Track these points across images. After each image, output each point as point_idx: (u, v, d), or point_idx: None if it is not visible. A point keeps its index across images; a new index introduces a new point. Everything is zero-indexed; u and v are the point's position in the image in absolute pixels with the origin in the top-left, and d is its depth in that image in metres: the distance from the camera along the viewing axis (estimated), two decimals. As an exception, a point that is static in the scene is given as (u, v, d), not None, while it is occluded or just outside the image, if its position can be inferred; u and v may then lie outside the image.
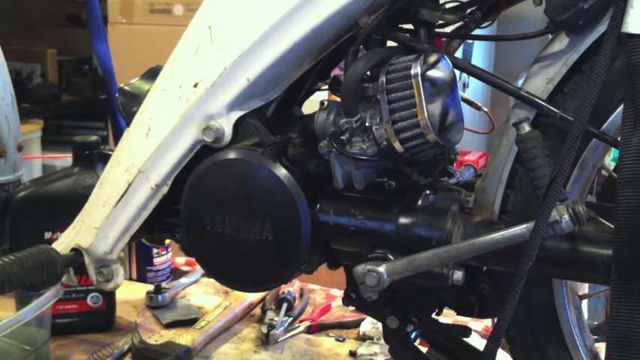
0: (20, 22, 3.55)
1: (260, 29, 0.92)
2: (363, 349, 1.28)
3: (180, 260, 1.72)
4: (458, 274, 0.89)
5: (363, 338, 1.33)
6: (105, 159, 1.18)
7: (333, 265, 1.02)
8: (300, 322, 1.39)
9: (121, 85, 1.14)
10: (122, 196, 1.02)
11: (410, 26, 0.95)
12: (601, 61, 0.80)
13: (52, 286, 1.03)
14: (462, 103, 0.93)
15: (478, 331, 1.35)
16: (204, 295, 1.52)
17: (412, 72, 0.85)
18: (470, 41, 2.35)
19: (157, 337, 1.32)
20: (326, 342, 1.33)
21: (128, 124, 1.05)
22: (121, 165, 1.03)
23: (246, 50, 0.93)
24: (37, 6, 3.66)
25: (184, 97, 0.97)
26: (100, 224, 1.05)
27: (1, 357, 1.10)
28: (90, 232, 1.06)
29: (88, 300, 1.33)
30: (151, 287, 1.46)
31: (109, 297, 1.35)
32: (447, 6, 0.95)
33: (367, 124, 0.89)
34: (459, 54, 1.09)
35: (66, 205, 1.15)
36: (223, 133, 0.96)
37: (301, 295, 1.49)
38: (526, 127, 0.83)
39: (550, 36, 0.88)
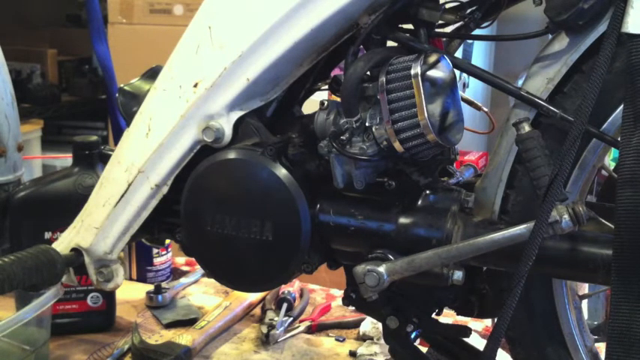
0: (20, 22, 3.55)
1: (260, 29, 0.92)
2: (363, 349, 1.28)
3: (181, 260, 1.72)
4: (458, 274, 0.89)
5: (363, 338, 1.33)
6: (105, 159, 1.18)
7: (333, 265, 1.02)
8: (300, 322, 1.39)
9: (121, 85, 1.14)
10: (122, 196, 1.02)
11: (410, 26, 0.95)
12: (601, 61, 0.80)
13: (52, 286, 1.03)
14: (462, 103, 0.93)
15: (478, 331, 1.35)
16: (204, 295, 1.52)
17: (412, 72, 0.85)
18: (470, 41, 2.35)
19: (157, 337, 1.32)
20: (326, 342, 1.33)
21: (128, 124, 1.05)
22: (121, 165, 1.03)
23: (246, 50, 0.93)
24: (37, 6, 3.67)
25: (184, 97, 0.97)
26: (100, 224, 1.05)
27: (1, 357, 1.10)
28: (90, 232, 1.06)
29: (88, 300, 1.33)
30: (151, 287, 1.46)
31: (109, 297, 1.35)
32: (447, 6, 0.95)
33: (367, 124, 0.89)
34: (459, 54, 1.09)
35: (66, 205, 1.15)
36: (223, 133, 0.96)
37: (301, 295, 1.49)
38: (526, 127, 0.83)
39: (550, 36, 0.88)
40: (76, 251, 1.07)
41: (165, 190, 1.01)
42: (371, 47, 0.93)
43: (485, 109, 1.13)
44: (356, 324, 1.37)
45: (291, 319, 1.37)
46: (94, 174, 1.24)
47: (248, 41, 0.93)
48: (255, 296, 1.46)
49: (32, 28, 3.53)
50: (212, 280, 1.52)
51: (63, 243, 1.08)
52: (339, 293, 1.53)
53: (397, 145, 0.87)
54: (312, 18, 0.90)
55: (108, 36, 2.20)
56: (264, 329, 1.33)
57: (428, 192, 0.93)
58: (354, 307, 1.03)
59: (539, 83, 0.87)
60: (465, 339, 1.06)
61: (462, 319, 1.32)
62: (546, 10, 0.84)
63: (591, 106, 0.80)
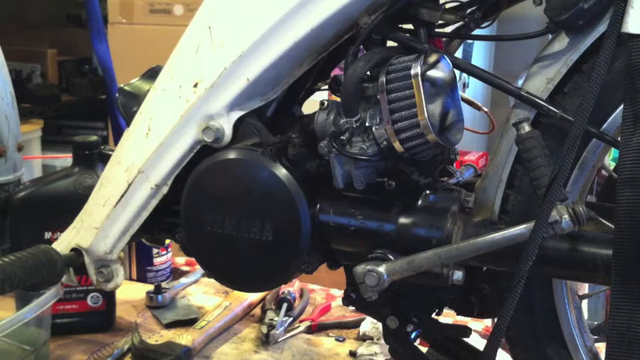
0: (20, 22, 3.56)
1: (260, 29, 0.92)
2: (363, 349, 1.28)
3: (180, 260, 1.72)
4: (458, 274, 0.89)
5: (363, 338, 1.33)
6: (105, 159, 1.18)
7: (333, 265, 1.02)
8: (300, 322, 1.39)
9: (121, 85, 1.14)
10: (122, 196, 1.02)
11: (410, 26, 0.95)
12: (601, 61, 0.80)
13: (52, 286, 1.03)
14: (462, 103, 0.93)
15: (478, 331, 1.35)
16: (204, 295, 1.52)
17: (412, 72, 0.85)
18: (470, 41, 2.35)
19: (157, 337, 1.32)
20: (326, 342, 1.33)
21: (128, 124, 1.05)
22: (121, 165, 1.03)
23: (246, 50, 0.93)
24: (37, 6, 3.67)
25: (184, 97, 0.97)
26: (100, 224, 1.05)
27: (1, 357, 1.10)
28: (90, 232, 1.06)
29: (88, 300, 1.33)
30: (151, 287, 1.46)
31: (109, 297, 1.35)
32: (447, 6, 0.95)
33: (367, 124, 0.89)
34: (459, 54, 1.09)
35: (66, 205, 1.15)
36: (223, 133, 0.96)
37: (301, 295, 1.49)
38: (526, 127, 0.83)
39: (550, 36, 0.88)
40: (76, 251, 1.07)
41: (165, 190, 1.01)
42: (371, 47, 0.93)
43: (486, 109, 1.13)
44: (356, 324, 1.37)
45: (291, 319, 1.37)
46: (94, 174, 1.24)
47: (248, 41, 0.93)
48: (255, 296, 1.46)
49: (32, 28, 3.53)
50: (212, 280, 1.52)
51: (63, 243, 1.08)
52: (339, 293, 1.53)
53: (397, 145, 0.87)
54: (312, 18, 0.90)
55: (108, 36, 2.20)
56: (264, 329, 1.33)
57: (428, 192, 0.93)
58: (354, 307, 1.03)
59: (539, 83, 0.87)
60: (465, 339, 1.06)
61: (462, 319, 1.32)
62: (546, 10, 0.84)
63: (591, 106, 0.80)
